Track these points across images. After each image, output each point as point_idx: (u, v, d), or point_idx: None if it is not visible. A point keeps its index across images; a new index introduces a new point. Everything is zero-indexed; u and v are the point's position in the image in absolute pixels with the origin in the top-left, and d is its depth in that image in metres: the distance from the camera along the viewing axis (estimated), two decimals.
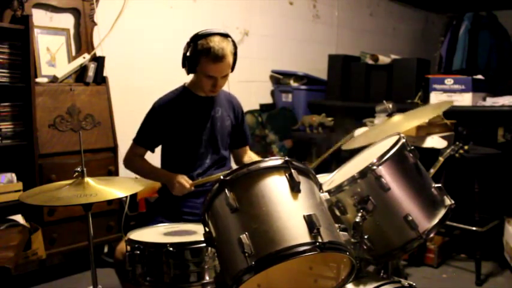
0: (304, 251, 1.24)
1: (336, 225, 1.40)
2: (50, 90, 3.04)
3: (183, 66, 2.19)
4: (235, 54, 2.19)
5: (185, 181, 2.14)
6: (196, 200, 2.23)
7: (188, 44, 2.15)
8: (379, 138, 1.94)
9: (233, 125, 2.38)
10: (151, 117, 2.27)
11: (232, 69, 2.22)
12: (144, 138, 2.28)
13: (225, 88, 2.35)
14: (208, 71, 2.12)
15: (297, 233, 1.26)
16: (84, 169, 1.82)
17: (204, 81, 2.18)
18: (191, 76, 2.29)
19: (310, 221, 1.27)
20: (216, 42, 2.08)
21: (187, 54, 2.15)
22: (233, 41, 2.18)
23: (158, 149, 2.35)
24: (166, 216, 2.20)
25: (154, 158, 2.36)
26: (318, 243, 1.25)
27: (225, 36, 2.14)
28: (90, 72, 3.22)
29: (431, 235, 1.64)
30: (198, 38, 2.12)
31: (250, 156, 2.49)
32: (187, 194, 2.21)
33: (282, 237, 1.26)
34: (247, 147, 2.51)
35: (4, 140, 2.91)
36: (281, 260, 1.24)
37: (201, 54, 2.10)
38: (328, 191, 1.62)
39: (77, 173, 1.83)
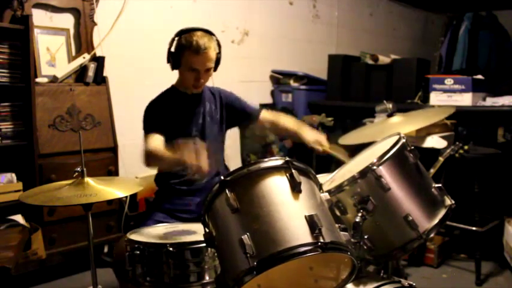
0: (306, 252, 1.24)
1: (336, 225, 1.40)
2: (50, 90, 3.04)
3: (168, 61, 2.25)
4: (218, 54, 2.24)
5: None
6: (191, 198, 2.26)
7: (172, 39, 2.23)
8: (376, 137, 1.94)
9: (225, 111, 2.38)
10: (148, 114, 2.27)
11: (215, 69, 2.26)
12: (154, 126, 2.18)
13: (226, 88, 2.36)
14: (192, 64, 2.17)
15: (298, 234, 1.26)
16: (84, 169, 1.82)
17: (187, 75, 2.22)
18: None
19: (311, 222, 1.27)
20: (198, 36, 2.16)
21: (171, 49, 2.22)
22: (217, 41, 2.24)
23: None
24: (163, 215, 2.21)
25: None
26: (319, 244, 1.25)
27: (209, 33, 2.21)
28: (90, 72, 3.22)
29: (432, 235, 1.65)
30: (181, 33, 2.20)
31: (278, 117, 2.46)
32: (181, 192, 2.25)
33: (283, 238, 1.25)
34: (265, 112, 2.46)
35: (4, 140, 2.91)
36: (283, 260, 1.23)
37: (185, 48, 2.16)
38: (329, 191, 1.62)
39: (77, 173, 1.83)
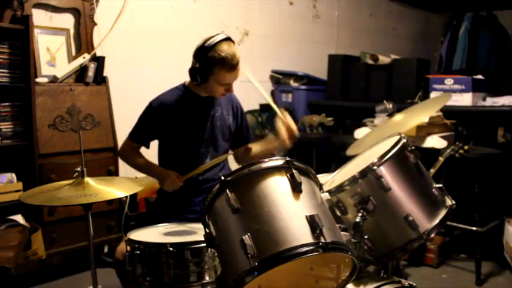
0: (307, 252, 1.24)
1: (337, 225, 1.40)
2: (50, 90, 3.04)
3: (194, 79, 2.18)
4: None
5: (176, 177, 2.16)
6: (195, 199, 2.25)
7: (196, 57, 2.14)
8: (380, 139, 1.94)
9: (234, 123, 2.38)
10: (148, 115, 2.26)
11: None
12: (140, 135, 2.28)
13: None
14: (225, 80, 2.14)
15: (299, 234, 1.26)
16: (84, 169, 1.82)
17: (217, 88, 2.18)
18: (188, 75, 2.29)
19: (312, 222, 1.27)
20: (227, 51, 2.09)
21: (197, 67, 2.13)
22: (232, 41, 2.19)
23: (155, 146, 2.36)
24: (165, 216, 2.20)
25: (150, 154, 2.36)
26: (320, 244, 1.25)
27: (229, 39, 2.15)
28: (90, 72, 3.22)
29: (432, 235, 1.65)
30: (206, 50, 2.10)
31: (250, 149, 2.48)
32: (186, 193, 2.23)
33: (284, 238, 1.25)
34: (248, 145, 2.49)
35: (4, 140, 2.91)
36: (284, 260, 1.23)
37: (215, 65, 2.10)
38: (329, 191, 1.62)
39: (77, 173, 1.83)
